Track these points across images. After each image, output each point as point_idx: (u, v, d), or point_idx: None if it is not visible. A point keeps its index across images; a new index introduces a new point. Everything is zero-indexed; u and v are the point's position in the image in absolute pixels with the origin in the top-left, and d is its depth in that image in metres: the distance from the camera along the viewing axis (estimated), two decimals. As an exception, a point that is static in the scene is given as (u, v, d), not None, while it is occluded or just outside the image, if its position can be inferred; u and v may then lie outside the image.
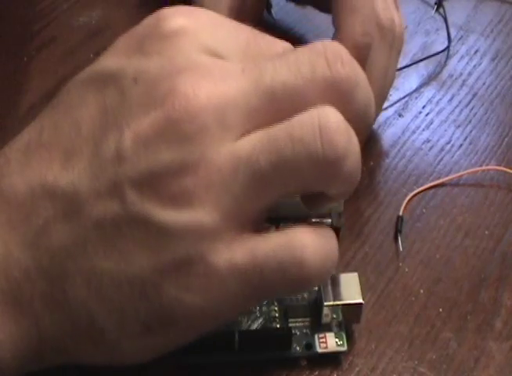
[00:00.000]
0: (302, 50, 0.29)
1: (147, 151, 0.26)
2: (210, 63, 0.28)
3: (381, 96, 0.41)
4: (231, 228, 0.27)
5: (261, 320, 0.34)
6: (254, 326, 0.34)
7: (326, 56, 0.28)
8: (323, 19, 0.46)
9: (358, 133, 0.28)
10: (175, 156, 0.26)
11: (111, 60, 0.29)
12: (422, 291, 0.37)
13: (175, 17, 0.29)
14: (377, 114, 0.42)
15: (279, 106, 0.28)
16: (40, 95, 0.44)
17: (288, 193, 0.28)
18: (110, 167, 0.27)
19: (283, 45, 0.30)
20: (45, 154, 0.28)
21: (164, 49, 0.28)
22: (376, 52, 0.39)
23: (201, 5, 0.41)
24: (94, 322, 0.28)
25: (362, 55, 0.38)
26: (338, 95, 0.28)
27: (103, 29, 0.49)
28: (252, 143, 0.27)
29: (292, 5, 0.49)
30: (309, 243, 0.28)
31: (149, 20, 0.29)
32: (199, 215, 0.27)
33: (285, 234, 0.29)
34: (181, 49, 0.28)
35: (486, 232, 0.40)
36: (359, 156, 0.28)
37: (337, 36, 0.38)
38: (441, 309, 0.36)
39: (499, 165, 0.42)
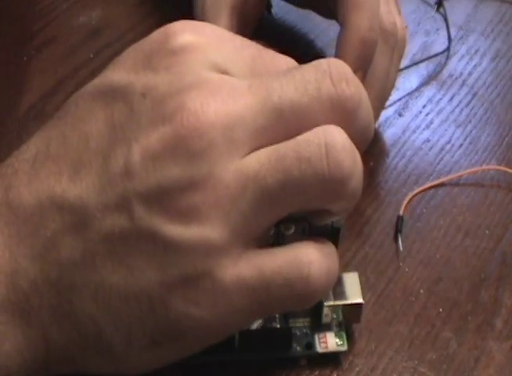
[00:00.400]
0: (308, 68, 0.29)
1: (155, 166, 0.27)
2: (218, 79, 0.28)
3: (382, 99, 0.41)
4: (238, 244, 0.27)
5: (261, 320, 0.34)
6: (255, 326, 0.34)
7: (331, 75, 0.28)
8: (323, 19, 0.46)
9: (357, 149, 0.29)
10: (184, 172, 0.27)
11: (119, 74, 0.29)
12: (422, 291, 0.37)
13: (183, 33, 0.29)
14: (377, 118, 0.42)
15: (286, 124, 0.28)
16: (40, 95, 0.44)
17: (294, 210, 0.29)
18: (119, 181, 0.27)
19: (286, 60, 0.31)
20: (53, 167, 0.28)
21: (172, 65, 0.28)
22: (378, 55, 0.39)
23: (203, 5, 0.41)
24: (101, 334, 0.28)
25: (368, 51, 0.38)
26: (343, 113, 0.28)
27: (103, 29, 0.49)
28: (260, 161, 0.27)
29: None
30: (315, 259, 0.29)
31: (156, 35, 0.29)
32: (206, 230, 0.27)
33: (291, 250, 0.29)
34: (189, 66, 0.28)
35: (486, 232, 0.40)
36: (362, 174, 0.29)
37: (343, 32, 0.38)
38: (441, 309, 0.36)
39: (499, 165, 0.42)
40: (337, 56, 0.38)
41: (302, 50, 0.48)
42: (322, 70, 0.28)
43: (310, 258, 0.29)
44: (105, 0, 0.51)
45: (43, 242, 0.27)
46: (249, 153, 0.27)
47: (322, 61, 0.29)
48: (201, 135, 0.26)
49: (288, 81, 0.28)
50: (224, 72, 0.29)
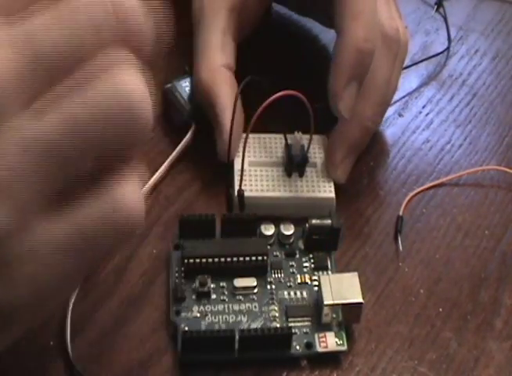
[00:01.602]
0: None
1: None
2: None
3: (383, 104, 0.41)
4: (30, 215, 0.24)
5: (261, 320, 0.34)
6: (254, 325, 0.34)
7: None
8: (323, 19, 0.46)
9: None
10: None
11: None
12: (422, 291, 0.37)
13: None
14: (380, 123, 0.42)
15: (54, 69, 0.24)
16: (40, 95, 0.44)
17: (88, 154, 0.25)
18: None
19: None
20: None
21: None
22: (380, 61, 0.39)
23: (201, 7, 0.41)
24: None
25: (365, 61, 0.38)
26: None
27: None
28: (34, 117, 0.24)
29: (292, 4, 0.49)
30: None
31: None
32: None
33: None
34: None
35: (486, 232, 0.40)
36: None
37: (339, 41, 0.38)
38: (441, 309, 0.36)
39: (499, 165, 0.42)
40: (334, 64, 0.38)
41: (302, 50, 0.48)
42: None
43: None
44: (105, 0, 0.51)
45: None
46: (23, 110, 0.24)
47: None
48: None
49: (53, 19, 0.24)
50: None
